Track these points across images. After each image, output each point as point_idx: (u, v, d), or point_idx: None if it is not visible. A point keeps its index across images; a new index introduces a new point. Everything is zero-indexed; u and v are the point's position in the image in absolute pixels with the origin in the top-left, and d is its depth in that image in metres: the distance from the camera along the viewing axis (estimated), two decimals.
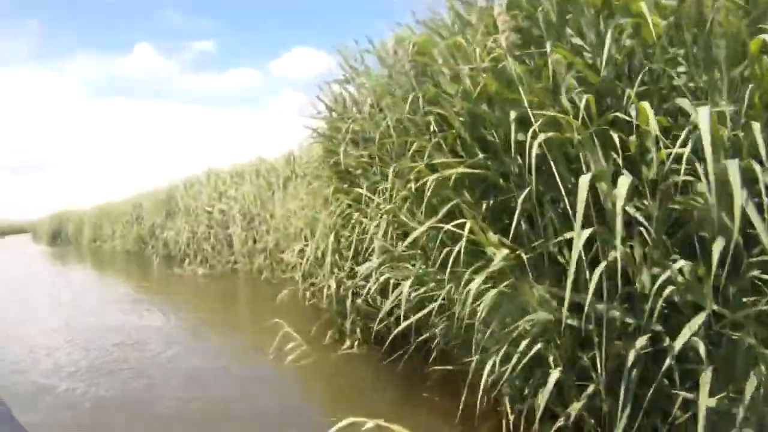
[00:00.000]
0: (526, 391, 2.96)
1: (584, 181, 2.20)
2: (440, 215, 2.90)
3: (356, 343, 4.84)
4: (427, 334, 3.43)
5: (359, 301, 4.69)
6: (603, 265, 2.25)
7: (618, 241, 2.18)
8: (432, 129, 3.36)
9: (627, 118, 2.54)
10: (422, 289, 3.08)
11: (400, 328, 3.11)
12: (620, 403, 2.34)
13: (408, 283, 3.04)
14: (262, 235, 10.04)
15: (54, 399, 4.10)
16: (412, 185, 3.36)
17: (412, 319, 3.09)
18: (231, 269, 11.63)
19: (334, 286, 4.62)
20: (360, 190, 4.05)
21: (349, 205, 4.47)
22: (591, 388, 2.64)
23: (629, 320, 2.53)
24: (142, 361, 4.99)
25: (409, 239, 3.00)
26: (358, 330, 4.85)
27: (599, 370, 2.51)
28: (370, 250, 3.98)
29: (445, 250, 2.92)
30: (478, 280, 2.53)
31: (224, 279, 11.04)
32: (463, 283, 2.63)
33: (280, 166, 10.21)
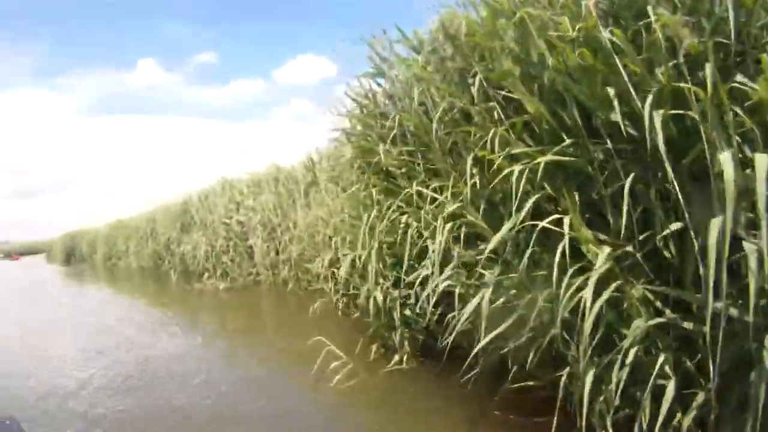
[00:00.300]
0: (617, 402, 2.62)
1: (727, 161, 1.82)
2: (524, 212, 2.52)
3: (405, 357, 4.46)
4: (501, 347, 3.06)
5: (408, 312, 4.34)
6: (755, 260, 1.86)
7: (765, 229, 1.81)
8: (497, 116, 2.99)
9: (747, 88, 2.18)
10: (502, 299, 2.69)
11: (482, 343, 2.71)
12: (752, 409, 2.04)
13: (488, 291, 2.65)
14: (285, 246, 9.66)
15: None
16: (477, 180, 2.99)
17: (495, 332, 2.69)
18: (253, 281, 11.29)
19: (380, 297, 4.24)
20: (418, 189, 3.65)
21: (391, 209, 4.07)
22: (701, 397, 2.32)
23: (747, 318, 2.18)
24: (176, 391, 4.56)
25: (496, 238, 2.62)
26: (406, 344, 4.48)
27: (712, 376, 2.19)
28: (424, 256, 3.63)
29: (527, 253, 2.56)
30: (589, 285, 2.14)
31: (247, 292, 10.68)
32: (564, 288, 2.25)
33: (300, 173, 9.85)
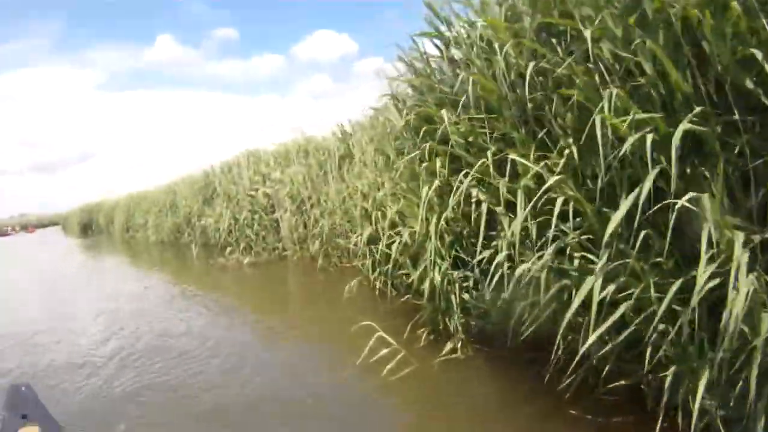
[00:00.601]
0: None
1: None
2: (646, 189, 2.21)
3: (459, 345, 4.18)
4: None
5: (466, 296, 4.05)
6: None
7: None
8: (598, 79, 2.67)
9: None
10: (611, 288, 2.38)
11: (591, 339, 2.41)
12: None
13: (599, 280, 2.34)
14: (317, 220, 9.37)
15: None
16: (574, 150, 2.67)
17: (605, 326, 2.39)
18: (278, 256, 11.05)
19: (438, 278, 3.94)
20: (497, 159, 3.33)
21: (464, 182, 3.69)
22: None
23: None
24: (207, 379, 4.32)
25: (618, 218, 2.30)
26: (460, 330, 4.19)
27: None
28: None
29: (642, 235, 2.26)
30: (740, 272, 1.83)
31: (274, 268, 10.44)
32: (700, 277, 1.95)
33: (332, 144, 9.52)
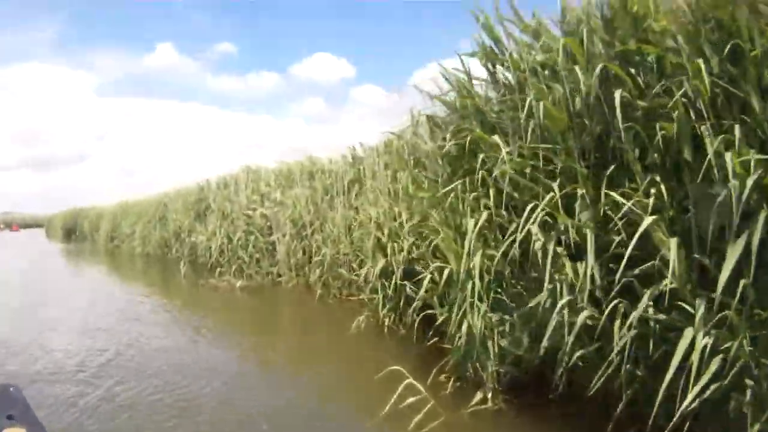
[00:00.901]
0: None
1: None
2: (757, 236, 1.93)
3: (490, 394, 3.83)
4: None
5: (504, 342, 3.72)
6: None
7: None
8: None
9: None
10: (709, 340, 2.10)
11: (690, 397, 2.10)
12: None
13: (699, 332, 2.06)
14: (319, 246, 8.97)
15: None
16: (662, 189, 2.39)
17: (711, 389, 2.07)
18: (272, 282, 10.59)
19: (478, 323, 3.60)
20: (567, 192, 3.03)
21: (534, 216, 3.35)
22: None
23: None
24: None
25: (730, 265, 2.01)
26: (490, 379, 3.85)
27: None
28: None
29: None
30: None
31: (269, 295, 9.96)
32: None
33: (341, 168, 9.19)
